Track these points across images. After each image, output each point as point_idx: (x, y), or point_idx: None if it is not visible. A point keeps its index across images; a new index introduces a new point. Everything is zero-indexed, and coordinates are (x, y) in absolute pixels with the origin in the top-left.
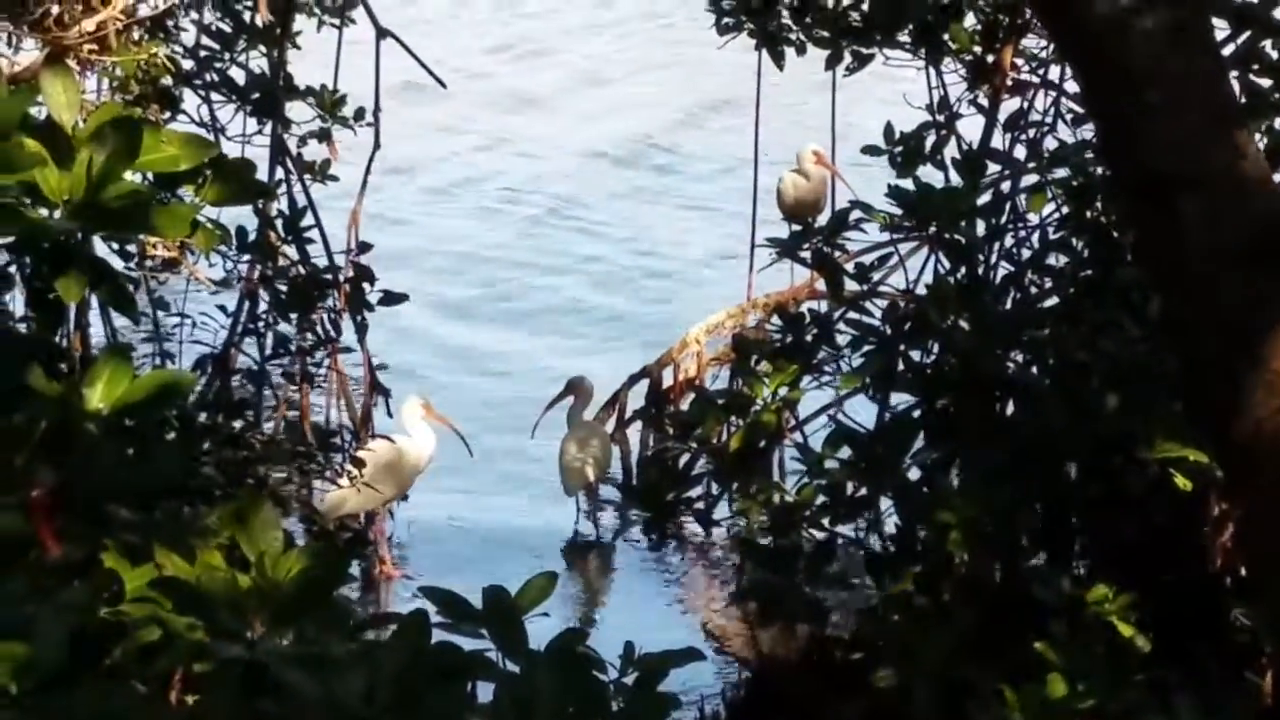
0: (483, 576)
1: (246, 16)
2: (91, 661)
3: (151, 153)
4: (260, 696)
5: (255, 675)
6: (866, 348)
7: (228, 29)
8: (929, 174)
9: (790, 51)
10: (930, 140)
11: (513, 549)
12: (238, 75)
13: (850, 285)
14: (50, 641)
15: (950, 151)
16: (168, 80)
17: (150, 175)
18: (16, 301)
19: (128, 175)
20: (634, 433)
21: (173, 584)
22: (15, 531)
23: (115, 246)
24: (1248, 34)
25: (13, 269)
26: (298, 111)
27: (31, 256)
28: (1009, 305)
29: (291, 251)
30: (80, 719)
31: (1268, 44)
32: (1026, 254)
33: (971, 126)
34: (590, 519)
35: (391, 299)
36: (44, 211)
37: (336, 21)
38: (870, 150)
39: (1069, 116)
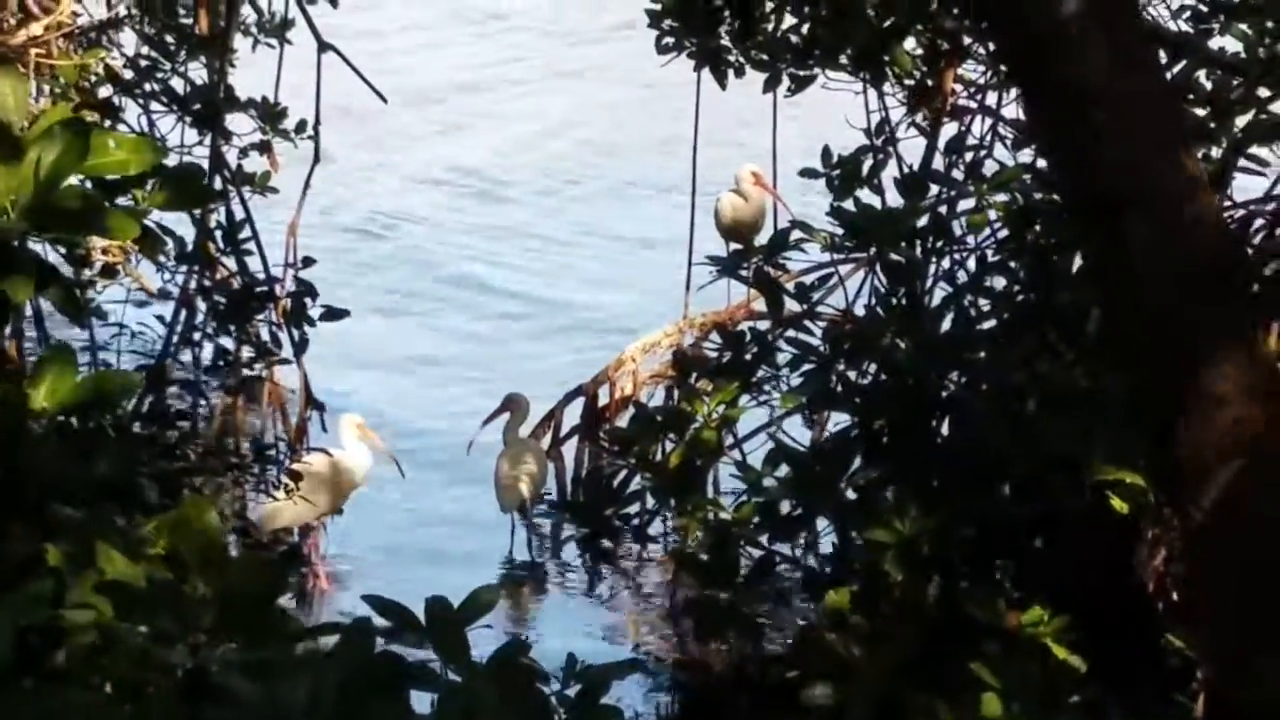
0: (418, 590)
1: (188, 28)
2: (36, 662)
3: (100, 156)
4: (203, 702)
5: (198, 681)
6: (806, 367)
7: (170, 39)
8: (868, 197)
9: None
10: (868, 163)
11: (447, 565)
12: (179, 85)
13: (790, 305)
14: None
15: (890, 174)
16: (108, 89)
17: (90, 181)
18: None
19: (73, 180)
20: (569, 450)
21: (116, 588)
22: None
23: (63, 251)
24: (1183, 63)
25: None
26: (238, 123)
27: None
28: (947, 327)
29: (230, 263)
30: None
31: (1201, 74)
32: (965, 276)
33: (912, 149)
34: (525, 536)
35: (333, 314)
36: None
37: (274, 41)
38: (808, 173)
39: (1008, 140)
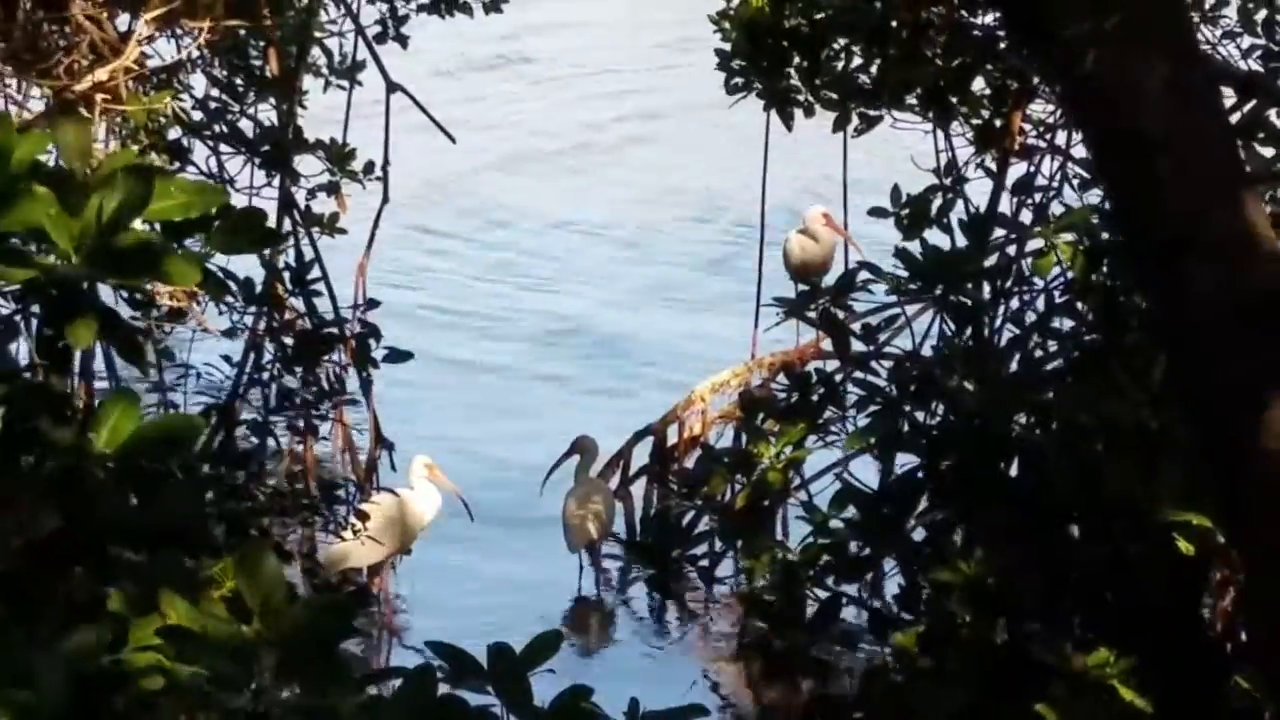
0: (486, 634)
1: (257, 70)
2: (94, 709)
3: (162, 200)
4: None
5: None
6: (872, 408)
7: (238, 82)
8: (936, 237)
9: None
10: (937, 203)
11: (517, 607)
12: (247, 127)
13: (857, 346)
14: (53, 688)
15: (957, 214)
16: (176, 131)
17: (157, 225)
18: (21, 350)
19: (137, 225)
20: (638, 490)
21: (178, 632)
22: (21, 575)
23: (125, 295)
24: (1253, 103)
25: (18, 317)
26: (307, 165)
27: (40, 303)
28: (1014, 368)
29: (298, 303)
30: None
31: (1272, 113)
32: (1032, 317)
33: (979, 190)
34: (594, 576)
35: (397, 356)
36: (53, 258)
37: (345, 84)
38: (877, 212)
39: (1075, 181)
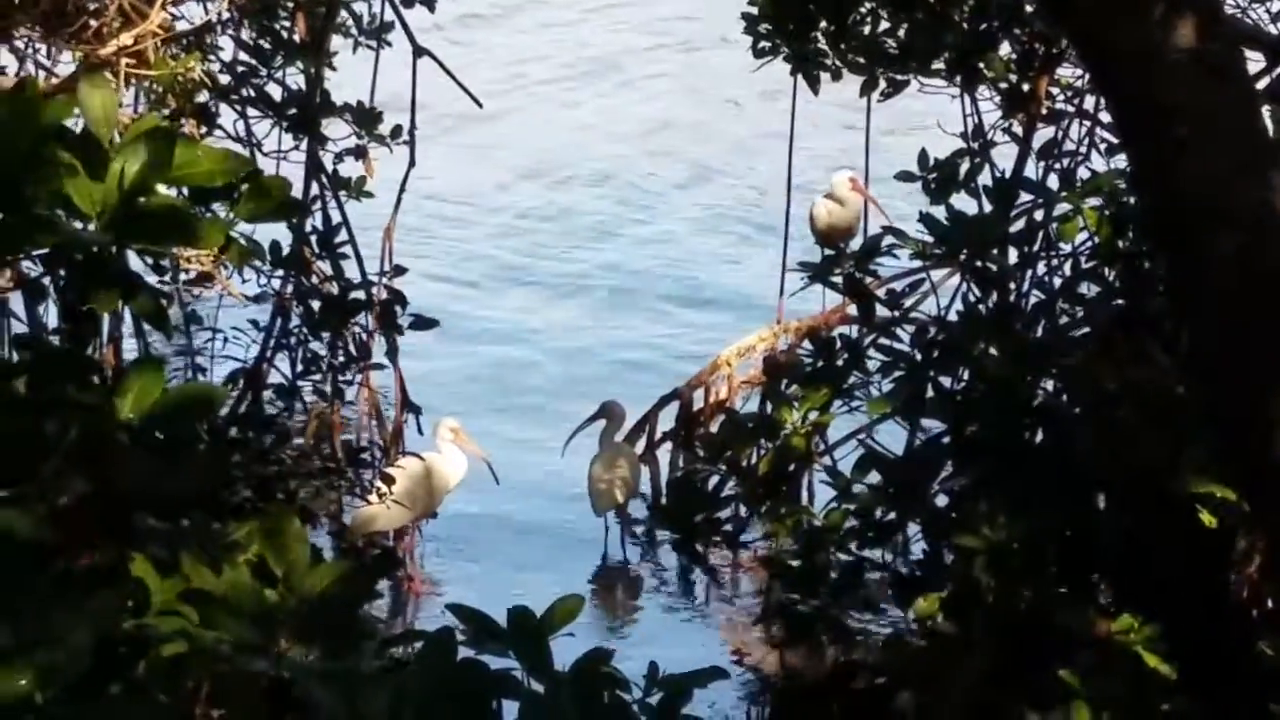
0: (513, 597)
1: (284, 33)
2: (117, 672)
3: (186, 166)
4: (285, 712)
5: (280, 690)
6: (897, 373)
7: (266, 45)
8: (963, 201)
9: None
10: (964, 167)
11: (541, 570)
12: (275, 91)
13: (881, 311)
14: (76, 650)
15: (984, 179)
16: (204, 95)
17: (185, 190)
18: (50, 313)
19: (163, 190)
20: (664, 454)
21: (200, 596)
22: (44, 539)
23: (149, 260)
24: None
25: (46, 280)
26: (334, 128)
27: (65, 268)
28: (1040, 333)
29: (326, 267)
30: None
31: None
32: (1059, 282)
33: (1006, 155)
34: (620, 540)
35: (422, 323)
36: (78, 223)
37: (373, 44)
38: (904, 176)
39: (1103, 146)
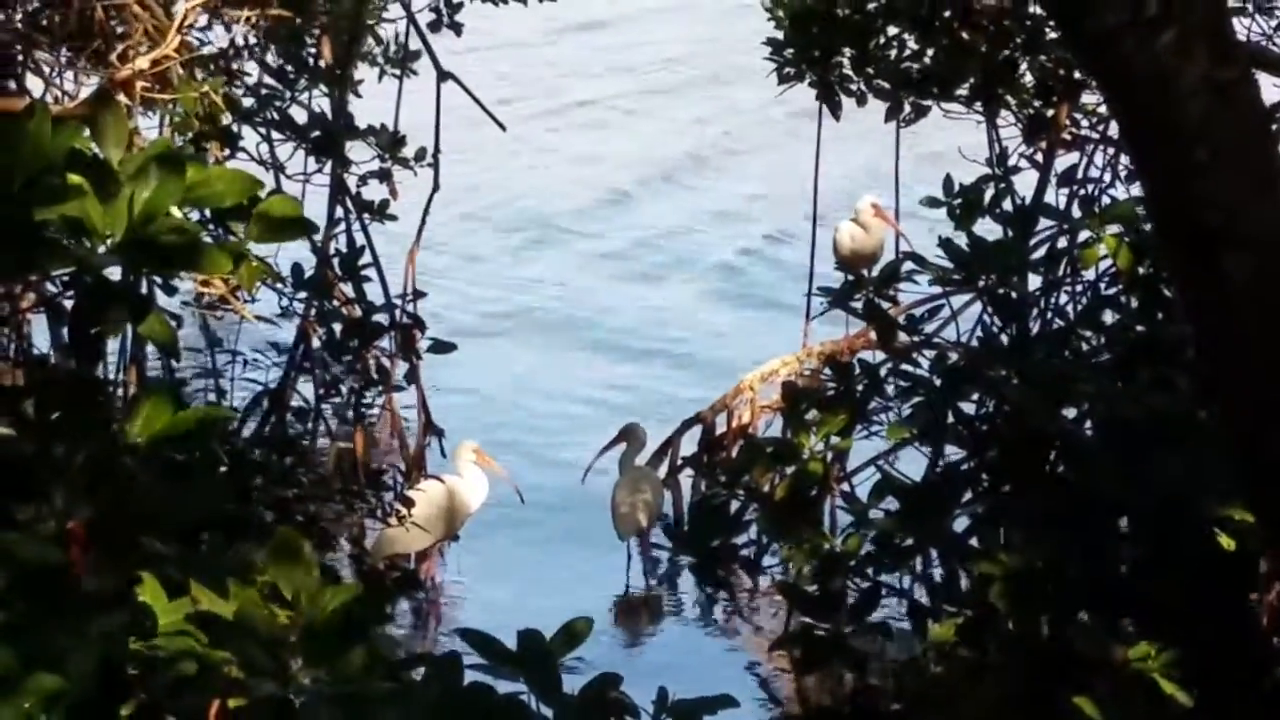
0: (531, 620)
1: (309, 58)
2: (123, 694)
3: (198, 188)
4: None
5: (286, 712)
6: (916, 399)
7: (290, 69)
8: (987, 227)
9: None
10: (989, 193)
11: (562, 594)
12: (299, 114)
13: (902, 337)
14: (81, 673)
15: (1005, 206)
16: (228, 118)
17: (208, 212)
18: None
19: (177, 213)
20: (686, 479)
21: (208, 618)
22: (51, 562)
23: (160, 282)
24: None
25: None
26: (358, 151)
27: (75, 291)
28: (1060, 360)
29: (349, 289)
30: None
31: None
32: (1079, 309)
33: (1027, 182)
34: (642, 564)
35: (440, 347)
36: (88, 246)
37: (397, 72)
38: (930, 202)
39: (1124, 172)
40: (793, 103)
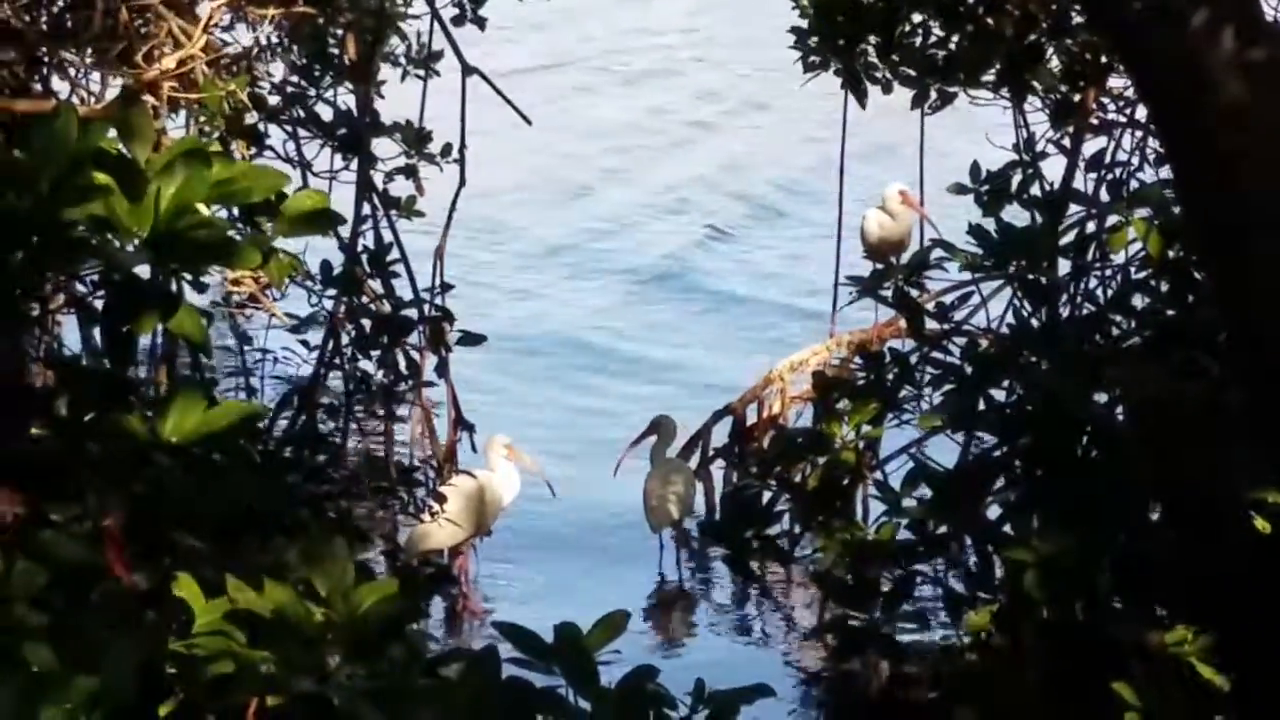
0: (566, 614)
1: (334, 55)
2: (162, 694)
3: (224, 184)
4: None
5: (324, 709)
6: (947, 387)
7: (315, 67)
8: (1015, 213)
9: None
10: (1016, 179)
11: (595, 587)
12: (324, 112)
13: (931, 324)
14: (119, 674)
15: (1034, 191)
16: (254, 117)
17: (235, 209)
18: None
19: (205, 210)
20: (717, 470)
21: (246, 617)
22: (87, 561)
23: (189, 279)
24: None
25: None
26: (384, 148)
27: (105, 289)
28: (1091, 345)
29: (377, 286)
30: None
31: None
32: (1109, 294)
33: (1056, 168)
34: (675, 556)
35: (470, 339)
36: (116, 245)
37: (421, 73)
38: (957, 189)
39: (1153, 156)
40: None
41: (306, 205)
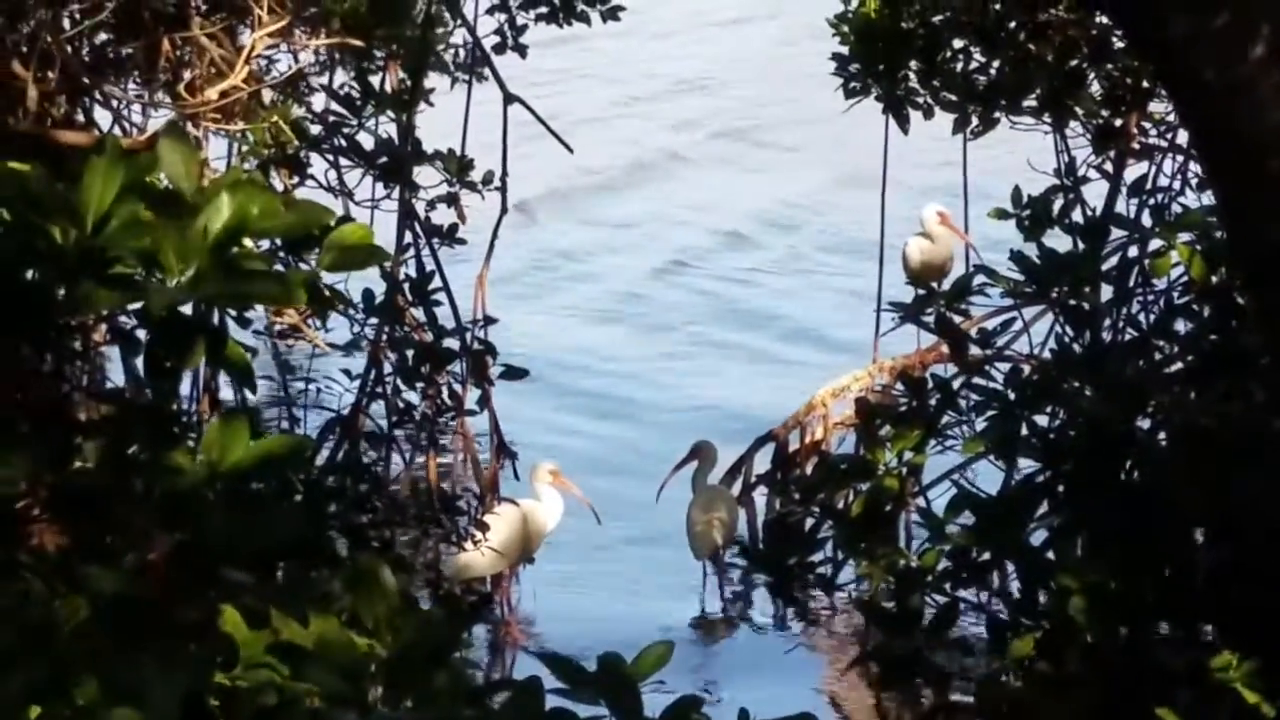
0: (609, 643)
1: (375, 82)
2: None
3: (270, 219)
4: None
5: None
6: (990, 412)
7: (356, 94)
8: (1057, 238)
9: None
10: (1058, 204)
11: (639, 615)
12: (366, 140)
13: (974, 350)
14: (164, 707)
15: (1076, 217)
16: (295, 145)
17: (279, 241)
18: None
19: (249, 243)
20: (760, 496)
21: (289, 648)
22: (132, 594)
23: (233, 314)
24: None
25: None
26: (426, 175)
27: (148, 323)
28: (1134, 371)
29: (419, 314)
30: None
31: None
32: (1152, 319)
33: (1098, 193)
34: (718, 583)
35: (512, 373)
36: (161, 280)
37: (468, 78)
38: (999, 214)
39: (1195, 181)
40: None
41: (352, 238)
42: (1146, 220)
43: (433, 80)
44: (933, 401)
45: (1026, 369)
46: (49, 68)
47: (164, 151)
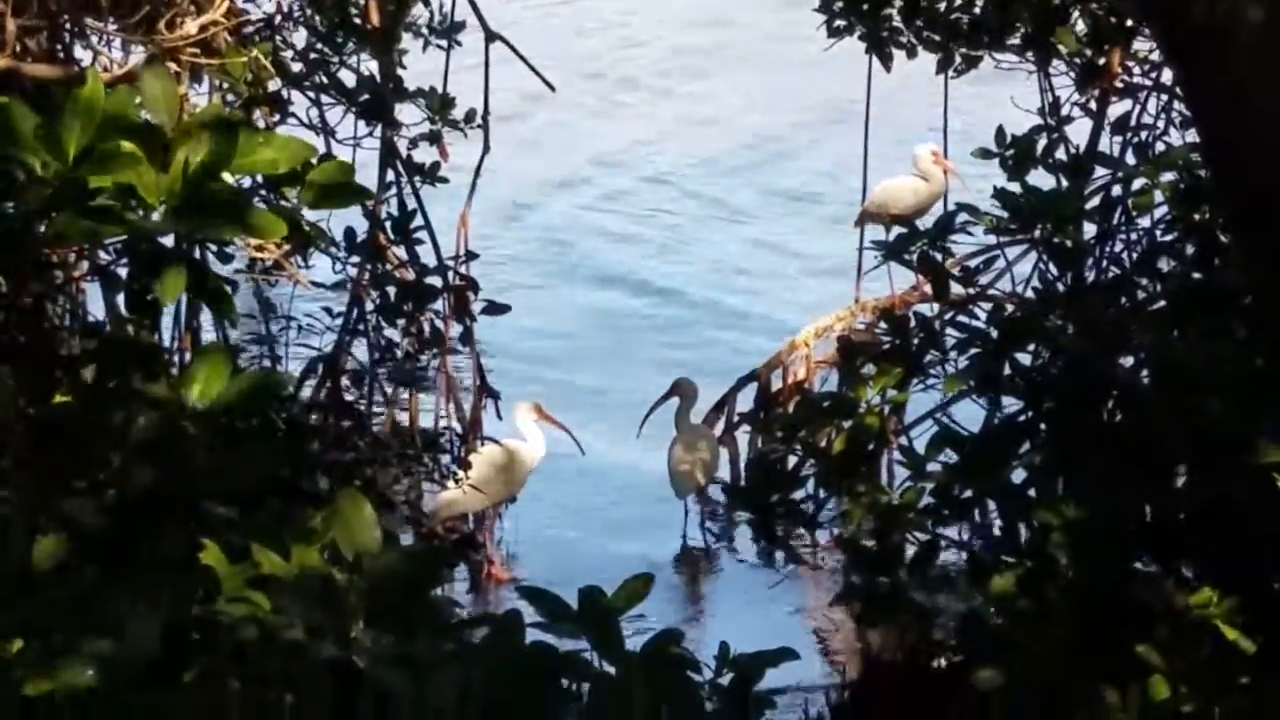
0: (592, 578)
1: (356, 20)
2: (186, 659)
3: (249, 155)
4: (354, 694)
5: (349, 674)
6: (972, 351)
7: (338, 35)
8: (1040, 177)
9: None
10: (1041, 143)
11: (620, 553)
12: (347, 78)
13: (956, 288)
14: (141, 638)
15: (1059, 155)
16: (276, 83)
17: (260, 178)
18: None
19: (229, 179)
20: (743, 436)
21: (270, 582)
22: (114, 531)
23: (214, 248)
24: None
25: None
26: (408, 114)
27: (130, 258)
28: (1117, 308)
29: (401, 253)
30: (174, 716)
31: None
32: (1135, 257)
33: (1082, 130)
34: (699, 522)
35: (494, 309)
36: (141, 213)
37: (444, 43)
38: (982, 153)
39: (1179, 119)
40: None
41: (333, 176)
42: (1130, 159)
43: (407, 42)
44: (915, 340)
45: (1009, 307)
46: (28, 2)
47: (145, 85)
